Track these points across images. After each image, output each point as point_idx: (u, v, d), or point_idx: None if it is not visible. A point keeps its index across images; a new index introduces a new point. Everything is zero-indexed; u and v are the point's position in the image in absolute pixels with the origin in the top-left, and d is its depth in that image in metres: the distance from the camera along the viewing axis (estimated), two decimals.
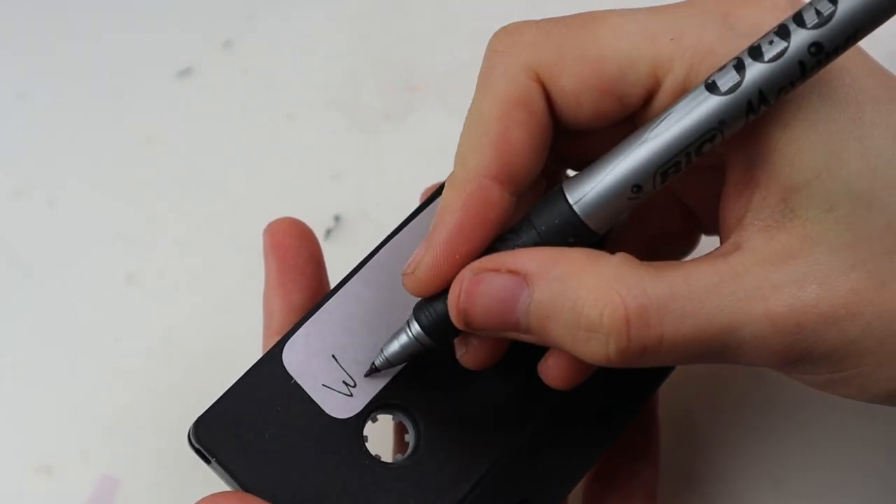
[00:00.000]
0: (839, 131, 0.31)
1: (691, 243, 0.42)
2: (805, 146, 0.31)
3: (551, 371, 0.36)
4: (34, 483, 0.46)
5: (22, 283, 0.50)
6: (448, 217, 0.34)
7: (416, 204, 0.40)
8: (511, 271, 0.33)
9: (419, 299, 0.36)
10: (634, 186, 0.32)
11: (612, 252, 0.33)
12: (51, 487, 0.46)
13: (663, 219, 0.42)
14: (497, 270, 0.33)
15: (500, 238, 0.34)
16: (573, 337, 0.32)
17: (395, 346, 0.36)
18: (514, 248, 0.34)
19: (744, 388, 0.47)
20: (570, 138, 0.36)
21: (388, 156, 0.53)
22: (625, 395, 0.39)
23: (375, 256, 0.38)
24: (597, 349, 0.32)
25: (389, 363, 0.36)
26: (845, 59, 0.32)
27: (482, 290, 0.33)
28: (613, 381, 0.39)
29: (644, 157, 0.32)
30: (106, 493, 0.46)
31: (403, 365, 0.37)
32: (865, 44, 0.32)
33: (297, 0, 0.56)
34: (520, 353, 0.39)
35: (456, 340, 0.36)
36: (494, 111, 0.34)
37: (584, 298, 0.32)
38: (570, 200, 0.33)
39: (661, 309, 0.31)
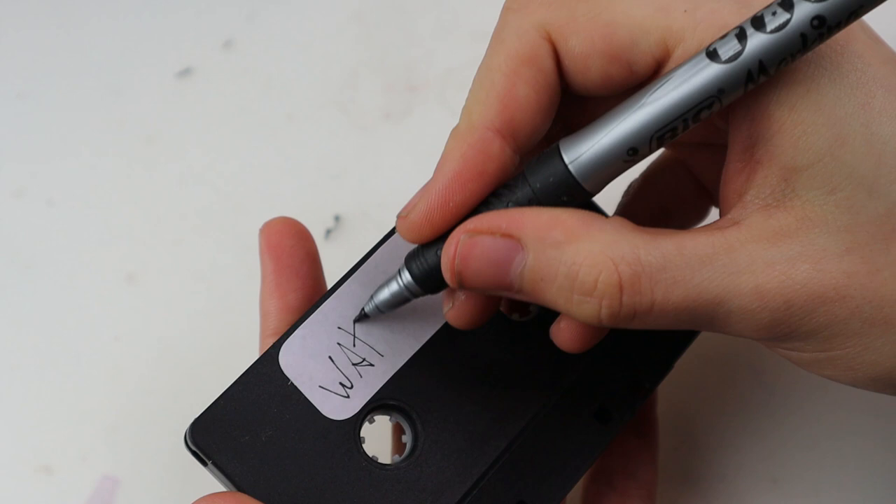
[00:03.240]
0: (847, 115, 0.31)
1: (701, 214, 0.43)
2: (811, 128, 0.31)
3: (564, 334, 0.36)
4: (34, 483, 0.46)
5: (22, 282, 0.50)
6: (446, 166, 0.34)
7: None
8: (506, 235, 0.33)
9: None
10: (630, 149, 0.32)
11: (620, 214, 0.33)
12: (51, 487, 0.46)
13: (675, 187, 0.42)
14: (492, 234, 0.33)
15: (495, 193, 0.34)
16: (566, 299, 0.33)
17: (385, 294, 0.36)
18: (507, 203, 0.34)
19: (742, 389, 0.47)
20: (577, 105, 0.36)
21: (388, 156, 0.53)
22: (623, 395, 0.39)
23: (372, 257, 0.38)
24: (589, 311, 0.33)
25: (379, 310, 0.37)
26: (859, 44, 0.32)
27: (477, 253, 0.33)
28: (611, 379, 0.39)
29: (641, 121, 0.32)
30: (106, 493, 0.46)
31: (401, 366, 0.37)
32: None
33: (297, 0, 0.56)
34: (517, 352, 0.39)
35: (443, 297, 0.36)
36: (503, 66, 0.34)
37: (579, 264, 0.32)
38: (566, 159, 0.33)
39: (653, 276, 0.32)
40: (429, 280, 0.35)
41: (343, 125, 0.54)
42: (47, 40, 0.55)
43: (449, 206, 0.34)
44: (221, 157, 0.53)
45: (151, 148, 0.53)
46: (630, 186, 0.43)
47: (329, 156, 0.53)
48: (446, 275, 0.34)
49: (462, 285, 0.34)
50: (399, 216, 0.35)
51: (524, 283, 0.33)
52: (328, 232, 0.51)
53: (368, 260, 0.38)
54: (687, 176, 0.42)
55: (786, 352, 0.34)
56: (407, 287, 0.36)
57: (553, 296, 0.33)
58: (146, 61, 0.55)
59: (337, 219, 0.51)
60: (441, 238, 0.34)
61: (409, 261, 0.35)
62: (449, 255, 0.34)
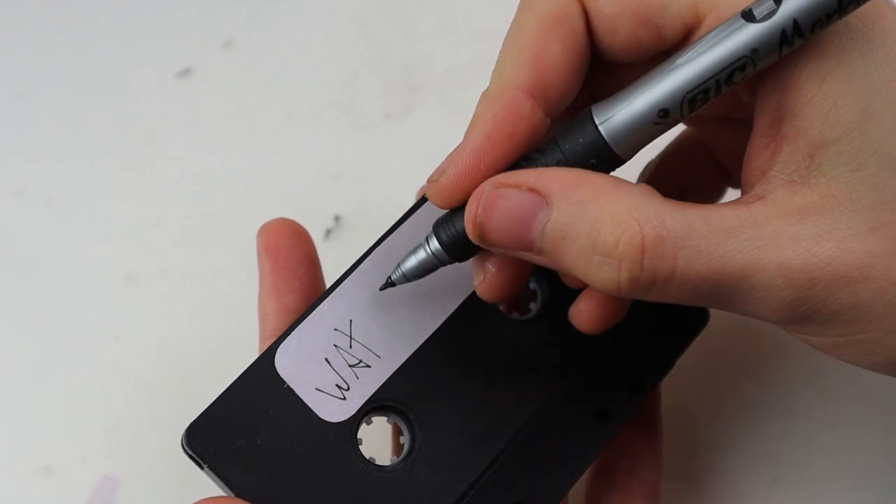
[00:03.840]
0: (875, 91, 0.31)
1: (717, 195, 0.43)
2: (840, 101, 0.31)
3: (583, 315, 0.36)
4: (34, 483, 0.46)
5: (22, 282, 0.50)
6: (477, 128, 0.34)
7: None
8: (532, 189, 0.33)
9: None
10: (661, 111, 0.32)
11: None
12: (51, 487, 0.46)
13: (692, 168, 0.42)
14: (518, 187, 0.33)
15: (526, 157, 0.34)
16: (586, 261, 0.32)
17: (412, 262, 0.36)
18: (537, 167, 0.34)
19: (744, 389, 0.47)
20: (604, 74, 0.36)
21: (388, 155, 0.53)
22: (622, 394, 0.39)
23: (368, 258, 0.38)
24: (609, 276, 0.32)
25: (406, 278, 0.36)
26: (888, 21, 0.32)
27: (501, 204, 0.33)
28: (610, 378, 0.39)
29: (674, 81, 0.32)
30: (106, 493, 0.46)
31: (398, 367, 0.37)
32: None
33: (297, 0, 0.56)
34: (515, 352, 0.39)
35: (473, 269, 0.36)
36: (533, 27, 0.34)
37: (602, 223, 0.32)
38: (597, 121, 0.33)
39: (677, 242, 0.31)
40: (457, 246, 0.35)
41: (343, 125, 0.54)
42: (47, 40, 0.55)
43: (480, 168, 0.33)
44: (221, 157, 0.53)
45: (151, 148, 0.53)
46: (647, 167, 0.43)
47: (329, 156, 0.53)
48: (468, 227, 0.33)
49: (483, 239, 0.33)
50: (429, 180, 0.34)
51: (545, 240, 0.33)
52: (328, 232, 0.51)
53: (365, 260, 0.38)
54: (705, 157, 0.42)
55: (805, 336, 0.33)
56: (434, 254, 0.35)
57: (574, 257, 0.32)
58: (146, 61, 0.55)
59: (337, 219, 0.51)
60: None
61: (438, 227, 0.35)
62: (472, 206, 0.33)
